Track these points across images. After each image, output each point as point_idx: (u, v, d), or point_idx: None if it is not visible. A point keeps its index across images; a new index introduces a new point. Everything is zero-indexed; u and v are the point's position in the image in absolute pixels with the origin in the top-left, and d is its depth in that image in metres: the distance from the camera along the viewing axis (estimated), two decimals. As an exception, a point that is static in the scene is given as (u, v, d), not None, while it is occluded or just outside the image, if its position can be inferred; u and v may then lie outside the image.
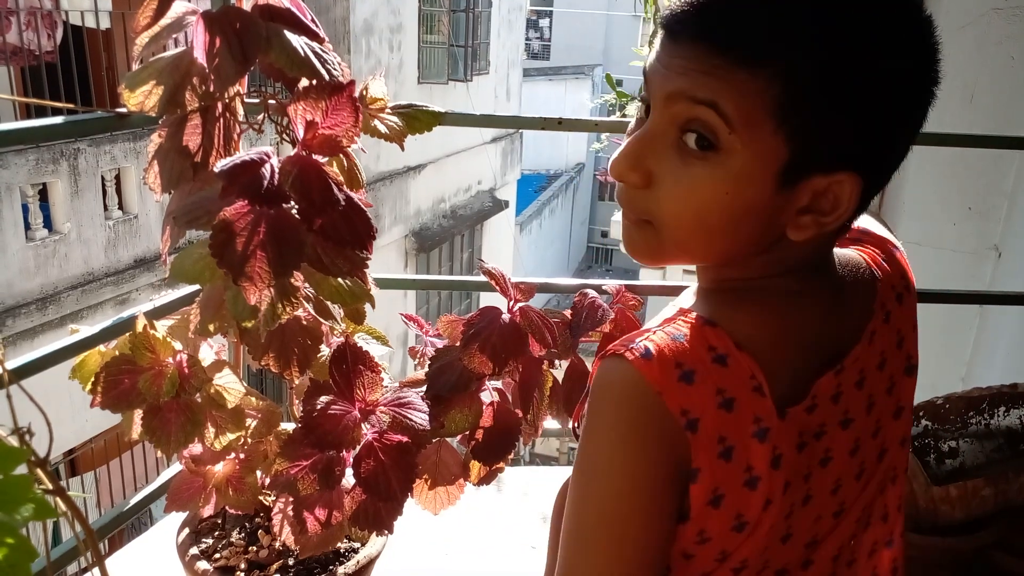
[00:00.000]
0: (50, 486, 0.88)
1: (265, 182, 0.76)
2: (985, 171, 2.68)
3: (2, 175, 5.10)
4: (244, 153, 0.77)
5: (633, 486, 0.65)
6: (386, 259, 9.65)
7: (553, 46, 23.29)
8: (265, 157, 0.78)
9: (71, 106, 0.92)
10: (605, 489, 0.65)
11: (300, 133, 0.81)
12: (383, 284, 1.24)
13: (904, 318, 0.77)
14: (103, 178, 5.90)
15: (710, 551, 0.68)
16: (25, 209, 5.33)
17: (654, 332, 0.67)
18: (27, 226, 5.37)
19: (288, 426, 1.17)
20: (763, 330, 0.68)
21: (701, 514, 0.66)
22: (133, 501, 1.09)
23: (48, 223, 5.58)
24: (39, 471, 0.85)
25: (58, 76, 5.58)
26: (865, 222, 0.87)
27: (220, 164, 0.75)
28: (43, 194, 5.51)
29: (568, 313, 1.18)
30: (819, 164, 0.63)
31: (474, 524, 1.32)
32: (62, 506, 0.89)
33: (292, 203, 0.81)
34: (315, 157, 0.83)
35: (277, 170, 0.78)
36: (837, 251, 0.76)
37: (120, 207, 6.15)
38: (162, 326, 1.09)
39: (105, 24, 5.94)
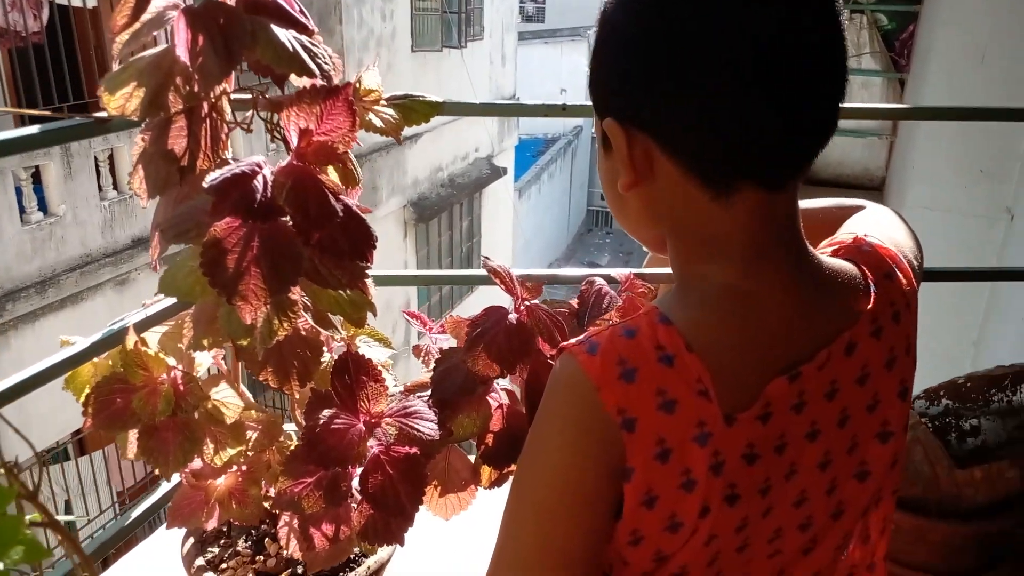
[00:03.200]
0: (42, 519, 0.84)
1: (258, 195, 0.71)
2: (998, 133, 2.62)
3: (-6, 159, 5.04)
4: (235, 164, 0.73)
5: (564, 478, 0.65)
6: (385, 230, 9.59)
7: (548, 8, 22.95)
8: (257, 168, 0.73)
9: (48, 113, 0.87)
10: (537, 479, 0.67)
11: (293, 142, 0.76)
12: (382, 282, 1.20)
13: (899, 338, 0.72)
14: (96, 159, 5.83)
15: (645, 551, 0.66)
16: (19, 192, 5.28)
17: (609, 328, 0.66)
18: (22, 210, 5.32)
19: (290, 427, 1.13)
20: (717, 331, 0.66)
21: (634, 514, 0.64)
22: (134, 515, 1.06)
23: (43, 206, 5.53)
24: (32, 503, 0.81)
25: (46, 56, 5.48)
26: (890, 229, 0.83)
27: (209, 178, 0.70)
28: (36, 177, 5.45)
29: (575, 302, 1.13)
30: (602, 113, 0.70)
31: (486, 525, 1.29)
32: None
33: (287, 216, 0.77)
34: (311, 165, 0.78)
35: (270, 182, 0.73)
36: (824, 258, 0.72)
37: (115, 187, 6.09)
38: (155, 334, 1.05)
39: (92, 2, 5.83)
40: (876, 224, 0.85)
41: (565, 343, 0.68)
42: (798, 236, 0.70)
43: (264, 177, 0.73)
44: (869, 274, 0.73)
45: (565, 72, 20.92)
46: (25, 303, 5.40)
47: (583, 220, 23.97)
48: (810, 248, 0.71)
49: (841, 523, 0.74)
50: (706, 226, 0.68)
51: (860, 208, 0.93)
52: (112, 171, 6.03)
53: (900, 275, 0.75)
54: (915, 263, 0.81)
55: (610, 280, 1.20)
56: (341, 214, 0.76)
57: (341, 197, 0.78)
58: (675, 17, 0.63)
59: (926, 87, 2.89)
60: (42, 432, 5.58)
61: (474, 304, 12.09)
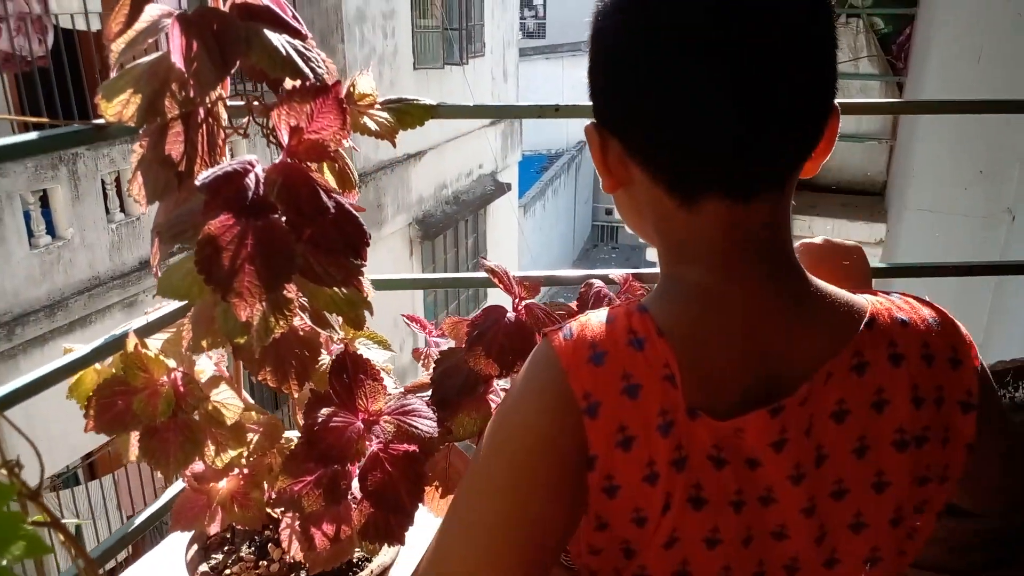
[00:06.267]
0: (46, 519, 0.85)
1: (250, 193, 0.72)
2: (996, 133, 2.62)
3: (2, 184, 5.08)
4: (227, 163, 0.74)
5: (522, 461, 0.63)
6: (391, 248, 9.62)
7: (548, 24, 23.11)
8: (249, 167, 0.74)
9: (47, 120, 0.89)
10: (495, 456, 0.65)
11: (285, 140, 0.77)
12: (382, 285, 1.20)
13: (895, 382, 0.66)
14: (103, 181, 5.88)
15: (612, 541, 0.64)
16: (27, 216, 5.31)
17: (590, 315, 0.67)
18: (30, 233, 5.36)
19: (292, 434, 1.14)
20: (690, 322, 0.64)
21: (596, 500, 0.63)
22: (137, 522, 1.07)
23: (51, 229, 5.56)
24: (34, 503, 0.82)
25: (52, 81, 5.54)
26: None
27: (202, 176, 0.71)
28: (44, 200, 5.49)
29: (574, 305, 1.14)
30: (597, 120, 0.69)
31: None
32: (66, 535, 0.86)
33: (280, 213, 0.78)
34: (302, 163, 0.79)
35: (262, 179, 0.74)
36: (820, 283, 0.68)
37: (122, 209, 6.13)
38: (157, 340, 1.06)
39: (96, 26, 5.89)
40: None
41: (548, 328, 0.68)
42: (781, 251, 0.67)
43: (256, 175, 0.74)
44: (876, 310, 0.68)
45: (567, 87, 21.01)
46: (34, 327, 5.42)
47: (588, 235, 23.98)
48: (801, 268, 0.68)
49: (836, 573, 0.68)
50: (678, 231, 0.67)
51: None
52: (119, 194, 6.07)
53: (929, 322, 0.69)
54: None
55: (608, 281, 1.20)
56: (333, 210, 0.76)
57: (333, 195, 0.79)
58: (629, 9, 0.63)
59: (924, 89, 2.89)
60: (52, 456, 5.59)
61: (481, 320, 12.04)
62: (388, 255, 9.41)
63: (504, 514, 0.63)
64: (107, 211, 5.95)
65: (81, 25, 5.85)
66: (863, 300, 0.69)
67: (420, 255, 10.36)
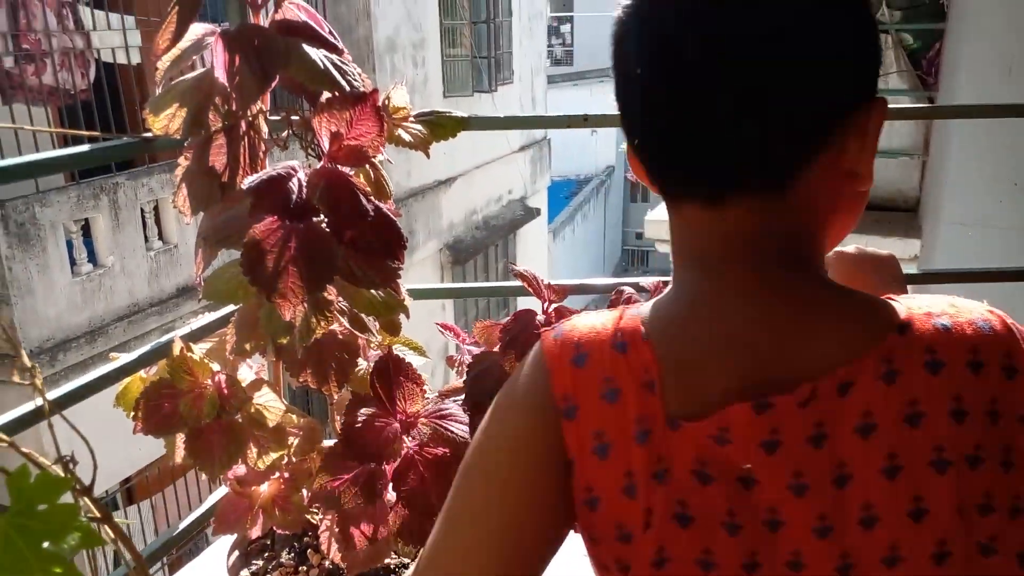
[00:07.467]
0: (97, 514, 0.88)
1: (293, 196, 0.75)
2: (1029, 145, 2.60)
3: (46, 213, 5.22)
4: (271, 168, 0.77)
5: (497, 459, 0.63)
6: (422, 274, 9.69)
7: (576, 51, 23.27)
8: (292, 171, 0.78)
9: (97, 134, 0.93)
10: (474, 453, 0.64)
11: (325, 145, 0.80)
12: (417, 295, 1.23)
13: (932, 393, 0.57)
14: (142, 210, 6.02)
15: (606, 557, 0.61)
16: (70, 245, 5.45)
17: (587, 315, 0.65)
18: (72, 261, 5.49)
19: (329, 443, 1.16)
20: (676, 325, 0.61)
21: (581, 513, 0.61)
22: (182, 526, 1.10)
23: (92, 257, 5.70)
24: (86, 499, 0.85)
25: (93, 113, 5.71)
26: None
27: (248, 181, 0.75)
28: (86, 229, 5.63)
29: (607, 313, 1.15)
30: None
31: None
32: (111, 534, 0.88)
33: (321, 216, 0.80)
34: (342, 169, 0.82)
35: (304, 184, 0.77)
36: (851, 290, 0.63)
37: (160, 238, 6.26)
38: (201, 349, 1.09)
39: (136, 59, 6.07)
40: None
41: (546, 328, 0.67)
42: (782, 254, 0.62)
43: (299, 179, 0.77)
44: (912, 315, 0.60)
45: (595, 113, 21.08)
46: (76, 352, 5.54)
47: (619, 260, 23.93)
48: (817, 272, 0.64)
49: None
50: (676, 235, 0.66)
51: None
52: (157, 222, 6.21)
53: (979, 326, 0.59)
54: None
55: (639, 289, 1.21)
56: (372, 214, 0.79)
57: (372, 199, 0.82)
58: (617, 23, 0.66)
59: (955, 103, 2.88)
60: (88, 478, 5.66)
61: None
62: (420, 281, 9.47)
63: (477, 512, 0.62)
64: (146, 239, 6.08)
65: (121, 59, 6.03)
66: (897, 304, 0.62)
67: (451, 280, 10.41)
